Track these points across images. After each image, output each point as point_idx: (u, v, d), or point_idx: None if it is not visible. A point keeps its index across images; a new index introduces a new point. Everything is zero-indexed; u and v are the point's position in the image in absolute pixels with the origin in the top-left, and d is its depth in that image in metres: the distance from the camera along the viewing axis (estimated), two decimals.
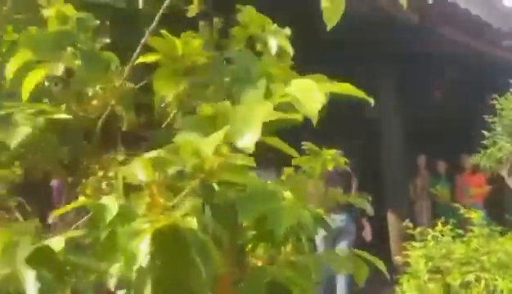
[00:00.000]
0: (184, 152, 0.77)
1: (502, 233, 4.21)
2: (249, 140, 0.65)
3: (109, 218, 0.77)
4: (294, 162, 1.72)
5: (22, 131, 0.95)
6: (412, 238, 4.41)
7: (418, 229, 4.39)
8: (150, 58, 1.06)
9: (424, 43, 5.89)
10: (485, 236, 4.12)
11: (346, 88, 0.79)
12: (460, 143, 6.91)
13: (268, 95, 0.95)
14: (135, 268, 0.73)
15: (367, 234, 5.71)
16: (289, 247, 1.11)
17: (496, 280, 3.39)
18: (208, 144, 0.69)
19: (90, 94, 1.04)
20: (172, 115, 1.22)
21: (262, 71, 1.08)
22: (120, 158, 1.05)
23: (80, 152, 1.14)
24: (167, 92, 1.15)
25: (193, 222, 0.71)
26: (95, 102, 1.03)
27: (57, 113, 1.00)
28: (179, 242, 0.74)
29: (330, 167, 1.67)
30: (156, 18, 1.01)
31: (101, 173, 0.97)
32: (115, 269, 0.77)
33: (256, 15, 1.35)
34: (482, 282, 3.47)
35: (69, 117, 1.00)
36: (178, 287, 0.77)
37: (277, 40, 1.32)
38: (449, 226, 4.40)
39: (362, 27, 5.29)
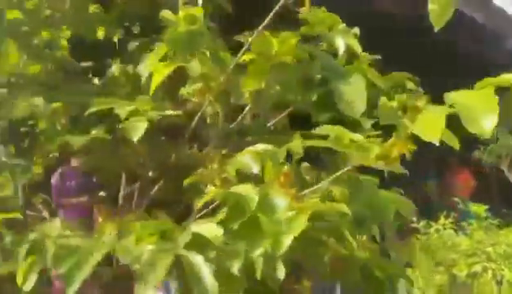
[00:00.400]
0: (339, 141, 0.83)
1: (500, 226, 4.37)
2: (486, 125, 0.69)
3: (253, 206, 0.82)
4: None
5: (141, 126, 0.99)
6: (416, 231, 4.54)
7: (421, 223, 4.51)
8: (246, 57, 1.11)
9: None
10: (484, 229, 4.28)
11: None
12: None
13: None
14: (282, 250, 0.79)
15: None
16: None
17: (503, 270, 3.53)
18: (431, 127, 0.70)
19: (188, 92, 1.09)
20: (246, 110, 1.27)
21: (355, 68, 1.14)
22: (221, 152, 1.10)
23: (171, 149, 1.18)
24: (253, 87, 1.20)
25: (344, 207, 0.77)
26: (195, 99, 1.07)
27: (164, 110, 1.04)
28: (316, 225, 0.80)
29: None
30: (266, 20, 1.06)
31: (213, 165, 1.02)
32: (259, 252, 0.82)
33: (324, 14, 1.40)
34: (490, 272, 3.61)
35: (180, 113, 1.04)
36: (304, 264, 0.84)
37: (345, 39, 1.37)
38: (450, 220, 4.55)
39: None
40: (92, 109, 1.13)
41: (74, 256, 0.84)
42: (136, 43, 1.60)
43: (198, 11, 0.95)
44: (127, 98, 1.34)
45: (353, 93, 1.05)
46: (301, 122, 1.30)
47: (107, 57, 1.74)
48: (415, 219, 4.67)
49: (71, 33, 1.76)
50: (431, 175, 8.94)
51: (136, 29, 1.73)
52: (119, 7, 1.71)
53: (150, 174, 1.23)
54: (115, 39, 1.76)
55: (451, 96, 0.73)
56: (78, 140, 1.16)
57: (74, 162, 1.84)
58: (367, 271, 1.11)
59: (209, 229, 0.80)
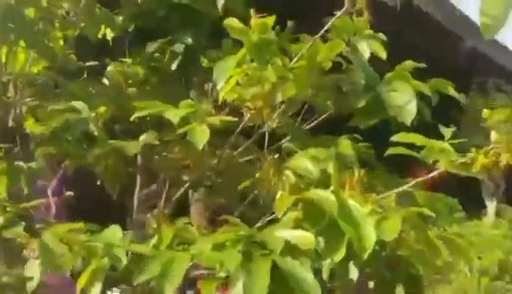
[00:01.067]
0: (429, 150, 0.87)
1: (467, 218, 4.64)
2: None
3: (334, 210, 0.85)
4: None
5: (205, 132, 1.00)
6: None
7: None
8: (298, 63, 1.13)
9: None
10: (454, 221, 4.53)
11: None
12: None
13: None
14: (367, 252, 0.83)
15: None
16: None
17: (473, 260, 3.76)
18: None
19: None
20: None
21: (395, 74, 1.20)
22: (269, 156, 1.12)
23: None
24: (298, 92, 1.22)
25: (428, 211, 0.82)
26: (249, 104, 1.09)
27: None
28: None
29: None
30: (322, 30, 1.09)
31: (270, 169, 1.04)
32: (340, 256, 0.86)
33: (349, 20, 1.44)
34: (461, 261, 3.83)
35: (235, 119, 1.05)
36: None
37: (371, 45, 1.42)
38: None
39: None
40: (140, 114, 1.12)
41: (156, 265, 0.84)
42: (155, 44, 1.58)
43: (269, 21, 0.97)
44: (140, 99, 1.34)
45: (402, 99, 1.10)
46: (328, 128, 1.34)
47: (116, 57, 1.71)
48: None
49: (77, 33, 1.72)
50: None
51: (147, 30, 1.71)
52: (131, 7, 1.68)
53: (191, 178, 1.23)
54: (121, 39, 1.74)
55: None
56: (132, 147, 1.15)
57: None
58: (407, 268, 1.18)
59: (298, 235, 0.82)
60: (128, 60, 1.65)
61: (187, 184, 1.35)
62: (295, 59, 1.10)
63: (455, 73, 5.30)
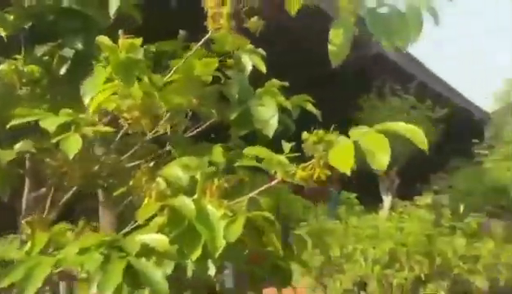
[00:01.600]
0: (268, 161, 1.00)
1: (366, 211, 5.03)
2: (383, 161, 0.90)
3: (192, 216, 0.96)
4: None
5: (76, 143, 1.06)
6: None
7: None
8: (172, 77, 1.23)
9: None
10: (355, 214, 4.90)
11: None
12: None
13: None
14: (217, 253, 0.95)
15: None
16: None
17: (368, 249, 4.12)
18: (343, 159, 0.91)
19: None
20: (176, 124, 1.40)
21: (265, 90, 1.33)
22: (149, 164, 1.21)
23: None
24: (177, 104, 1.32)
25: (270, 215, 0.95)
26: (127, 115, 1.17)
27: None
28: (253, 230, 0.98)
29: None
30: (196, 46, 1.19)
31: (143, 176, 1.13)
32: (196, 255, 0.97)
33: (231, 34, 1.55)
34: (358, 251, 4.17)
35: (112, 129, 1.13)
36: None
37: (252, 59, 1.55)
38: (325, 206, 5.12)
39: None
40: (17, 122, 1.15)
41: (20, 269, 0.89)
42: (45, 48, 1.59)
43: (137, 42, 1.05)
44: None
45: (267, 113, 1.24)
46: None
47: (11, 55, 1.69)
48: None
49: None
50: None
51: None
52: (19, 9, 1.67)
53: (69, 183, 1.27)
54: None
55: (355, 133, 0.96)
56: (6, 155, 1.17)
57: None
58: (275, 262, 1.33)
59: (156, 238, 0.92)
60: (21, 59, 1.64)
61: (74, 189, 1.39)
62: (171, 73, 1.19)
63: (360, 77, 5.65)
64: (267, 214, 0.96)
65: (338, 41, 1.22)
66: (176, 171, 1.13)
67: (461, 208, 4.13)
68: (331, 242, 4.49)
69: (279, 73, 1.43)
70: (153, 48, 1.38)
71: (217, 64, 1.28)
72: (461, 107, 13.49)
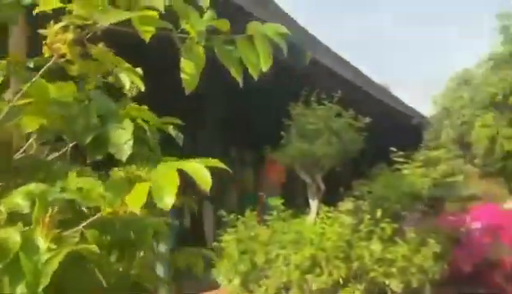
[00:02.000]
0: (88, 194, 1.01)
1: (294, 216, 5.14)
2: (168, 201, 0.92)
3: (15, 248, 0.96)
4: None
5: None
6: (226, 224, 5.05)
7: (231, 216, 5.04)
8: (24, 101, 1.22)
9: None
10: (282, 219, 5.00)
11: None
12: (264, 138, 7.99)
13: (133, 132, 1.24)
14: (40, 288, 0.95)
15: (187, 222, 6.30)
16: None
17: (290, 255, 4.21)
18: (136, 199, 0.92)
19: None
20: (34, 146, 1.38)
21: (125, 113, 1.34)
22: None
23: None
24: (33, 127, 1.31)
25: (95, 247, 0.96)
26: None
27: None
28: (79, 262, 0.98)
29: None
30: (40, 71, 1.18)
31: None
32: (20, 290, 0.97)
33: (109, 53, 1.55)
34: (281, 257, 4.26)
35: None
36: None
37: (130, 77, 1.55)
38: (254, 212, 5.18)
39: None
40: None
41: None
42: None
43: None
44: None
45: (122, 137, 1.24)
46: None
47: None
48: (224, 213, 5.19)
49: None
50: (248, 169, 9.82)
51: None
52: None
53: None
54: None
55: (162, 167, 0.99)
56: None
57: None
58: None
59: None
60: None
61: None
62: (17, 95, 1.18)
63: (294, 81, 5.71)
64: (92, 247, 0.96)
65: (189, 70, 1.25)
66: (16, 198, 1.11)
67: (378, 213, 4.30)
68: (257, 248, 4.57)
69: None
70: None
71: (73, 87, 1.28)
72: (399, 111, 14.08)
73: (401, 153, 4.75)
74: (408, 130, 16.75)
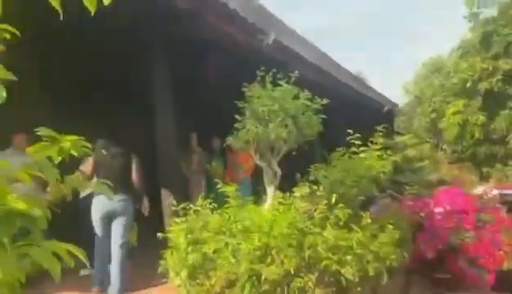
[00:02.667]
0: None
1: (253, 203, 4.88)
2: None
3: None
4: (28, 150, 1.69)
5: None
6: (176, 214, 4.76)
7: (181, 205, 4.74)
8: None
9: (190, 30, 6.31)
10: (238, 207, 4.73)
11: None
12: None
13: None
14: None
15: (145, 210, 5.99)
16: None
17: (240, 244, 3.94)
18: None
19: None
20: None
21: None
22: None
23: None
24: None
25: None
26: None
27: None
28: None
29: (71, 154, 1.72)
30: None
31: None
32: None
33: None
34: (230, 246, 3.99)
35: None
36: None
37: None
38: (208, 200, 4.90)
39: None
40: None
41: None
42: None
43: None
44: None
45: None
46: None
47: None
48: (174, 202, 4.89)
49: None
50: (216, 156, 9.51)
51: None
52: None
53: None
54: None
55: None
56: None
57: None
58: None
59: None
60: None
61: None
62: None
63: (261, 66, 5.39)
64: None
65: None
66: None
67: (333, 199, 4.07)
68: (207, 237, 4.29)
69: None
70: None
71: None
72: (368, 97, 13.95)
73: (357, 135, 4.51)
74: (379, 117, 16.69)
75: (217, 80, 9.35)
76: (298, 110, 4.69)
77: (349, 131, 4.59)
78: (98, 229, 5.71)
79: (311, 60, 9.22)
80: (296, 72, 4.86)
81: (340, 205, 4.05)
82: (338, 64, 11.09)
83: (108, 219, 5.72)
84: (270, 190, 4.80)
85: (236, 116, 4.75)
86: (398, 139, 8.67)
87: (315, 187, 4.42)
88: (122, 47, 7.26)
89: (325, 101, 4.81)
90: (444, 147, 19.13)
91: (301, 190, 4.32)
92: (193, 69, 8.51)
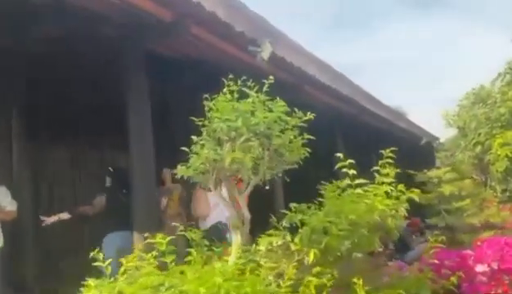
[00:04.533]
0: None
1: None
2: None
3: None
4: None
5: None
6: None
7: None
8: None
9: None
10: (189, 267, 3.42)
11: None
12: None
13: None
14: None
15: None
16: None
17: None
18: None
19: None
20: None
21: None
22: None
23: None
24: None
25: None
26: None
27: None
28: None
29: None
30: None
31: None
32: None
33: None
34: None
35: None
36: None
37: None
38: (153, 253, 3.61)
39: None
40: None
41: None
42: None
43: None
44: None
45: None
46: None
47: None
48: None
49: None
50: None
51: None
52: None
53: None
54: None
55: None
56: None
57: None
58: None
59: None
60: None
61: None
62: None
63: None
64: None
65: None
66: None
67: (311, 256, 2.67)
68: None
69: None
70: None
71: None
72: (402, 129, 12.45)
73: (350, 161, 3.12)
74: (416, 151, 14.98)
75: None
76: (272, 128, 3.39)
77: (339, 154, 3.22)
78: None
79: (324, 81, 7.94)
80: (271, 77, 3.59)
81: (317, 268, 2.64)
82: (362, 89, 9.76)
83: None
84: (235, 239, 3.45)
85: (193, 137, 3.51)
86: (432, 173, 7.09)
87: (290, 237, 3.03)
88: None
89: (310, 116, 3.49)
90: (492, 184, 16.93)
91: (266, 242, 2.95)
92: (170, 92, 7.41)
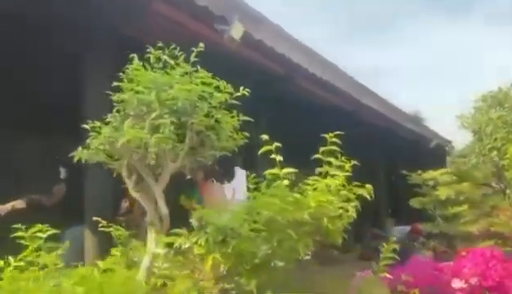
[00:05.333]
0: None
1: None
2: None
3: None
4: None
5: None
6: None
7: None
8: None
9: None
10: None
11: None
12: None
13: None
14: None
15: None
16: None
17: None
18: None
19: None
20: None
21: None
22: None
23: None
24: None
25: None
26: None
27: None
28: None
29: None
30: None
31: None
32: None
33: None
34: None
35: None
36: None
37: None
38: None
39: None
40: None
41: None
42: None
43: None
44: None
45: None
46: None
47: None
48: None
49: None
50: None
51: None
52: None
53: None
54: None
55: None
56: None
57: None
58: None
59: None
60: None
61: None
62: None
63: None
64: None
65: None
66: None
67: (208, 262, 2.06)
68: None
69: None
70: None
71: None
72: (408, 129, 11.70)
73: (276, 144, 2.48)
74: (425, 153, 14.17)
75: None
76: (194, 104, 2.77)
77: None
78: None
79: (313, 71, 7.27)
80: (201, 44, 2.98)
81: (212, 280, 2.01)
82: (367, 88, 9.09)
83: None
84: (150, 238, 2.85)
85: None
86: (427, 175, 6.39)
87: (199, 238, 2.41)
88: None
89: (243, 92, 2.87)
90: (508, 192, 15.85)
91: (163, 244, 2.33)
92: None
